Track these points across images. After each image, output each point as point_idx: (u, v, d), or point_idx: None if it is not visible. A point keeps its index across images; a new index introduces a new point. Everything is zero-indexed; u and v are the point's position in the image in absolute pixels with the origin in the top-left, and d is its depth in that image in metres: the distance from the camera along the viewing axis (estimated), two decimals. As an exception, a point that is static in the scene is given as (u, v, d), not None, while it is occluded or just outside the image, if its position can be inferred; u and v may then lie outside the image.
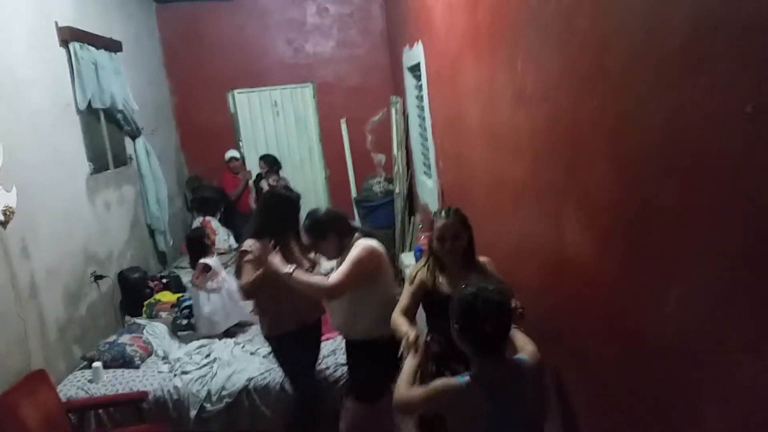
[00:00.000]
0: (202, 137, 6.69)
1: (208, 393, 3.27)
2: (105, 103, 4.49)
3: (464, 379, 1.78)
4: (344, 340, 2.99)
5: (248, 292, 2.88)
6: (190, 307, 4.05)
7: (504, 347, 1.83)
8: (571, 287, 1.96)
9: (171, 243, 5.61)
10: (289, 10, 6.70)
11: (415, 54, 4.56)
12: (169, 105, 6.61)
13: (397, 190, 5.93)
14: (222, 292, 3.84)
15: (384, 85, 6.64)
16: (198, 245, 3.97)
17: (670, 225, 1.32)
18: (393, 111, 5.89)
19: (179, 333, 4.04)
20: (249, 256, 2.82)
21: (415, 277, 2.33)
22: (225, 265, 4.22)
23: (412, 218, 5.77)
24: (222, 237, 5.72)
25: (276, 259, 2.68)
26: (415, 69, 4.85)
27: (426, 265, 2.34)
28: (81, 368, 3.60)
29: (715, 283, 1.19)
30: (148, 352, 3.72)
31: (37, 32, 3.84)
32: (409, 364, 1.93)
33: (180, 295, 4.47)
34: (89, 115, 4.44)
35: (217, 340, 3.81)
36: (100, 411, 3.24)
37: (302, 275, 2.65)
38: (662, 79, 1.28)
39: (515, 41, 2.23)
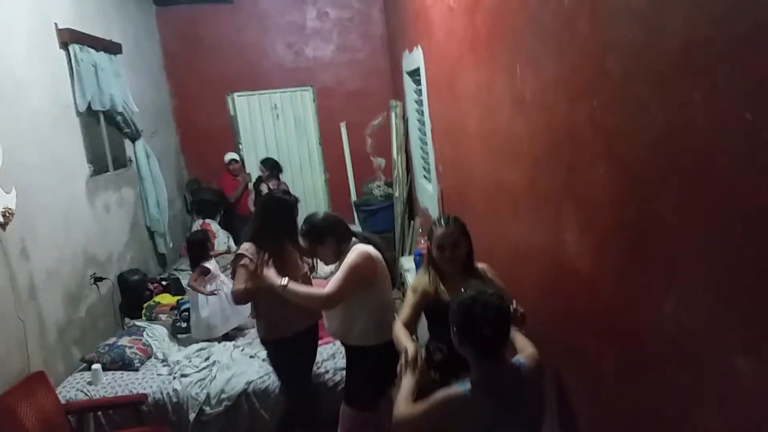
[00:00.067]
0: (201, 140, 6.70)
1: (207, 396, 3.27)
2: (105, 105, 4.50)
3: (465, 386, 1.77)
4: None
5: (238, 299, 2.87)
6: (189, 309, 4.05)
7: (504, 351, 1.83)
8: (571, 290, 1.96)
9: (171, 245, 5.62)
10: (289, 13, 6.72)
11: (415, 58, 4.58)
12: (169, 107, 6.62)
13: (396, 194, 5.93)
14: (221, 295, 3.84)
15: (384, 89, 6.66)
16: (198, 248, 3.97)
17: (668, 228, 1.33)
18: (393, 115, 5.91)
19: (179, 336, 4.04)
20: (244, 260, 2.81)
21: (418, 287, 2.32)
22: (224, 268, 4.23)
23: (412, 222, 5.77)
24: (221, 240, 5.72)
25: (270, 272, 2.67)
26: (414, 73, 4.86)
27: (427, 274, 2.33)
28: (80, 370, 3.60)
29: (714, 286, 1.20)
30: (148, 354, 3.72)
31: (37, 34, 3.85)
32: (407, 382, 1.91)
33: (179, 297, 4.47)
34: (89, 117, 4.45)
35: (216, 343, 3.82)
36: (99, 413, 3.24)
37: (297, 286, 2.64)
38: (661, 84, 1.29)
39: (514, 46, 2.25)
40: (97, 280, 4.15)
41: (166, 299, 4.54)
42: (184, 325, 4.05)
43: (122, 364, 3.56)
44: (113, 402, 3.25)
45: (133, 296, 4.50)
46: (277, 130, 6.98)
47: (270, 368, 3.29)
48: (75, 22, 4.29)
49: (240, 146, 6.88)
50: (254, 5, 6.64)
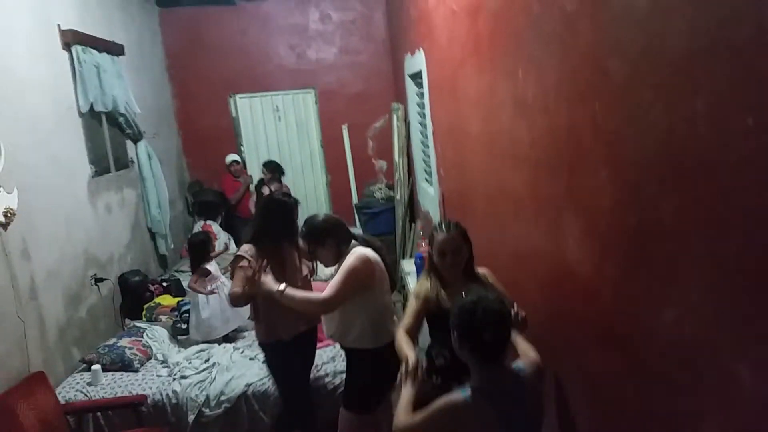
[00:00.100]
0: (203, 141, 6.71)
1: (207, 398, 3.27)
2: (107, 106, 4.51)
3: (466, 392, 1.76)
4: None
5: (236, 302, 2.87)
6: (189, 311, 4.05)
7: (504, 356, 1.83)
8: (571, 294, 1.96)
9: (172, 246, 5.62)
10: (292, 16, 6.73)
11: (417, 61, 4.58)
12: (171, 109, 6.63)
13: (398, 197, 5.93)
14: (221, 296, 3.84)
15: (386, 92, 6.66)
16: (199, 250, 3.97)
17: (669, 234, 1.33)
18: (395, 118, 5.91)
19: (179, 337, 4.04)
20: (243, 262, 2.81)
21: (420, 293, 2.31)
22: (225, 270, 4.23)
23: (413, 225, 5.77)
24: (222, 241, 5.72)
25: (267, 278, 2.67)
26: (416, 76, 4.87)
27: (428, 280, 2.32)
28: (80, 371, 3.60)
29: (714, 293, 1.20)
30: (148, 355, 3.72)
31: (40, 35, 3.86)
32: (407, 392, 1.90)
33: (180, 299, 4.47)
34: (91, 118, 4.46)
35: (216, 345, 3.82)
36: (99, 414, 3.24)
37: (294, 291, 2.64)
38: (663, 89, 1.29)
39: (516, 50, 2.25)
40: (98, 280, 4.15)
41: (167, 300, 4.54)
42: (184, 326, 4.05)
43: (122, 365, 3.56)
44: (112, 403, 3.25)
45: (133, 297, 4.50)
46: (278, 132, 6.99)
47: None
48: (78, 24, 4.30)
49: (242, 148, 6.89)
50: (257, 7, 6.66)
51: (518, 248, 2.52)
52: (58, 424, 2.98)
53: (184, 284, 4.71)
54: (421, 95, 4.79)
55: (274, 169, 6.02)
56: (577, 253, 1.86)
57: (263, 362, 3.38)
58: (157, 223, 5.34)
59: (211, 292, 3.81)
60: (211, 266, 3.95)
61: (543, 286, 2.23)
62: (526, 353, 1.95)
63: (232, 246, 5.61)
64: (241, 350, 3.71)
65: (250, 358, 3.57)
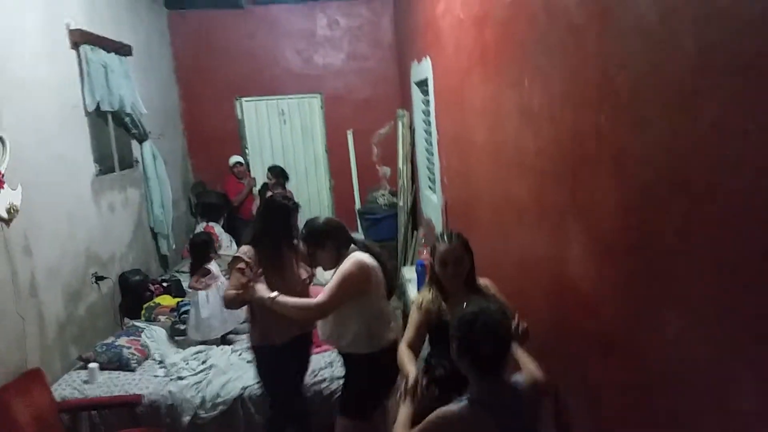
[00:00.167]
0: (208, 143, 6.73)
1: (203, 400, 3.26)
2: (113, 105, 4.53)
3: (461, 403, 1.75)
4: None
5: (229, 304, 2.85)
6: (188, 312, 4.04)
7: (503, 368, 1.82)
8: (574, 305, 1.95)
9: (173, 247, 5.62)
10: (300, 21, 6.76)
11: (423, 69, 4.59)
12: (178, 110, 6.65)
13: (401, 204, 5.93)
14: (221, 293, 3.84)
15: (392, 99, 6.67)
16: (201, 249, 3.98)
17: (673, 245, 1.32)
18: (400, 124, 5.92)
19: (177, 338, 4.03)
20: (241, 264, 2.81)
21: (421, 305, 2.29)
22: (225, 271, 4.22)
23: (415, 233, 5.76)
24: (224, 243, 5.72)
25: (260, 287, 2.66)
26: (422, 84, 4.88)
27: (430, 291, 2.31)
28: (77, 368, 3.59)
29: (716, 308, 1.19)
30: (145, 355, 3.71)
31: (49, 34, 3.87)
32: (406, 409, 1.90)
33: (180, 299, 4.47)
34: (97, 117, 4.47)
35: (214, 346, 3.80)
36: (94, 412, 3.22)
37: (286, 299, 2.63)
38: (670, 102, 1.28)
39: (523, 60, 2.25)
40: (99, 279, 4.15)
41: (167, 301, 4.54)
42: (183, 327, 4.04)
43: (119, 364, 3.55)
44: (108, 402, 3.23)
45: (133, 296, 4.50)
46: (283, 135, 7.00)
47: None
48: (86, 24, 4.32)
49: (246, 151, 6.90)
50: (266, 12, 6.69)
51: (522, 257, 2.52)
52: (52, 421, 2.97)
53: (185, 285, 4.71)
54: (426, 103, 4.80)
55: (278, 174, 6.02)
56: (580, 265, 1.86)
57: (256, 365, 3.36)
58: (159, 223, 5.34)
59: (207, 285, 3.81)
60: (212, 266, 3.95)
61: (547, 295, 2.22)
62: (527, 367, 1.94)
63: (235, 249, 5.61)
64: (238, 353, 3.69)
65: (248, 361, 3.55)
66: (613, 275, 1.63)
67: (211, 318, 3.83)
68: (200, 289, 3.82)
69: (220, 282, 3.91)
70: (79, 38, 4.17)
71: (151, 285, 4.71)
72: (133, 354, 3.63)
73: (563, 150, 1.91)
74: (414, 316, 2.29)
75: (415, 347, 2.23)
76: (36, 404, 2.91)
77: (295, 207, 3.04)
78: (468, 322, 1.75)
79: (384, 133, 6.84)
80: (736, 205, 1.10)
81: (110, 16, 4.88)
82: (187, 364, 3.56)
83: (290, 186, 6.28)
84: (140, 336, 3.84)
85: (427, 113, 4.82)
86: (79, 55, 4.20)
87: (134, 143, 5.14)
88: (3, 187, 3.04)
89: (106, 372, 3.50)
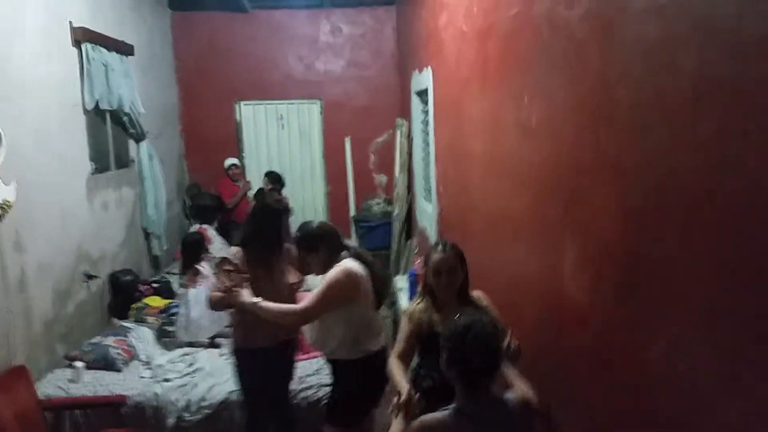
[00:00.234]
0: (205, 145, 6.72)
1: (188, 403, 3.22)
2: (112, 104, 4.52)
3: (446, 411, 1.74)
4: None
5: (214, 306, 2.84)
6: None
7: (491, 383, 1.80)
8: (566, 321, 1.94)
9: (165, 248, 5.59)
10: (303, 26, 6.78)
11: (424, 79, 4.60)
12: (176, 111, 6.64)
13: (396, 212, 5.93)
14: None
15: (391, 107, 6.69)
16: (193, 249, 3.96)
17: (667, 263, 1.31)
18: (398, 133, 5.92)
19: (164, 339, 3.99)
20: (228, 266, 2.79)
21: (413, 315, 2.28)
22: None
23: (409, 242, 5.76)
24: (217, 246, 5.69)
25: (243, 292, 2.64)
26: (422, 94, 4.89)
27: (422, 302, 2.29)
28: (63, 367, 3.55)
29: (707, 329, 1.18)
30: (132, 356, 3.67)
31: (51, 31, 3.87)
32: (397, 425, 1.89)
33: (169, 301, 4.43)
34: (95, 115, 4.46)
35: (201, 349, 3.77)
36: (77, 412, 3.19)
37: (270, 304, 2.61)
38: (670, 120, 1.28)
39: (524, 73, 2.25)
40: (89, 277, 4.12)
41: (156, 302, 4.50)
42: (171, 329, 4.00)
43: (105, 364, 3.52)
44: (92, 401, 3.20)
45: (123, 296, 4.47)
46: (281, 140, 7.00)
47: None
48: (89, 22, 4.31)
49: (243, 154, 6.89)
50: (269, 16, 6.70)
51: (515, 270, 2.51)
52: (35, 419, 2.94)
53: (175, 287, 4.68)
54: (426, 113, 4.80)
55: (275, 180, 6.02)
56: (573, 280, 1.85)
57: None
58: (152, 223, 5.32)
59: (199, 285, 3.79)
60: (204, 266, 3.92)
61: (538, 312, 2.21)
62: (518, 386, 1.92)
63: (227, 250, 5.58)
64: (225, 356, 3.66)
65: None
66: (609, 289, 1.62)
67: (201, 318, 3.80)
68: (192, 287, 3.80)
69: (211, 283, 3.88)
70: (82, 36, 4.16)
71: (141, 285, 4.68)
72: (120, 354, 3.59)
73: (560, 164, 1.91)
74: (404, 327, 2.28)
75: (405, 358, 2.21)
76: (19, 402, 2.88)
77: (286, 210, 3.02)
78: (459, 334, 1.74)
79: (382, 142, 6.85)
80: (733, 224, 1.10)
81: (114, 16, 4.88)
82: (174, 365, 3.53)
83: (286, 191, 6.27)
84: (127, 336, 3.81)
85: (425, 123, 4.83)
86: (80, 53, 4.19)
87: (131, 142, 5.13)
88: (-3, 182, 3.02)
89: (92, 371, 3.47)
